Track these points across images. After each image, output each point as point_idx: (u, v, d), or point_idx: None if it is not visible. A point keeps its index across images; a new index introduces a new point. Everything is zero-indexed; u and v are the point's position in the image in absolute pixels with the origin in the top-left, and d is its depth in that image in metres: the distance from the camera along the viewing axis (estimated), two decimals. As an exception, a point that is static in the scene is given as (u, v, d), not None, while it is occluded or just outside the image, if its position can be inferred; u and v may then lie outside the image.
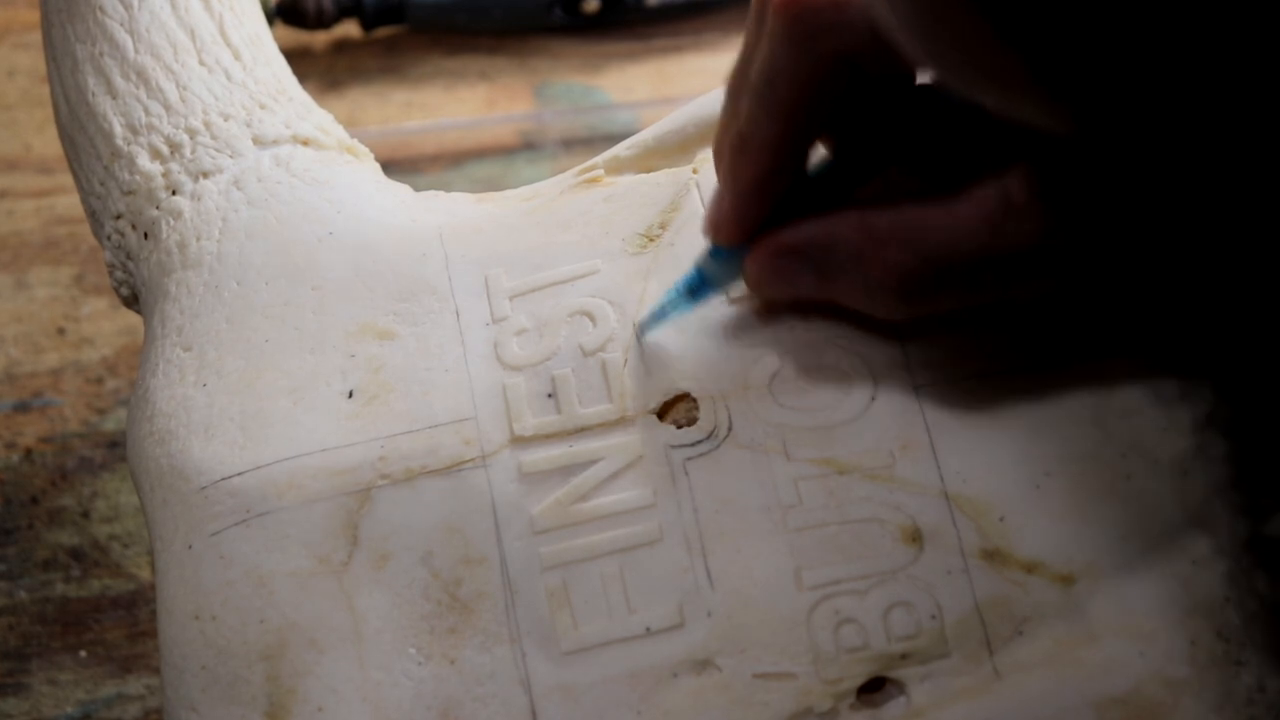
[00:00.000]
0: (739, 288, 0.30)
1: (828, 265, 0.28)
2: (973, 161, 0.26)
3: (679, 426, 0.29)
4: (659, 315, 0.30)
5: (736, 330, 0.30)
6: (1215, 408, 0.29)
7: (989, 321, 0.30)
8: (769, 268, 0.28)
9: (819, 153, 0.28)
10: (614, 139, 0.36)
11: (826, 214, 0.28)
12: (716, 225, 0.29)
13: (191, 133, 0.33)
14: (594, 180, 0.33)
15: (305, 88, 0.36)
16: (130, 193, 0.33)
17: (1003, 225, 0.25)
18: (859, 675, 0.27)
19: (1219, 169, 0.21)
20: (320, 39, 0.56)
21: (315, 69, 0.55)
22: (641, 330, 0.30)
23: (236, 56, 0.34)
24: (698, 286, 0.30)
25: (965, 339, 0.29)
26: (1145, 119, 0.20)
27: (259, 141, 0.33)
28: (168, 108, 0.33)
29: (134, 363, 0.45)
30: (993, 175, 0.26)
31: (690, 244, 0.31)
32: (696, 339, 0.30)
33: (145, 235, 0.33)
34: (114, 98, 0.33)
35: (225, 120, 0.33)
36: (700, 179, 0.32)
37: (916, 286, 0.27)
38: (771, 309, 0.30)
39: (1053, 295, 0.28)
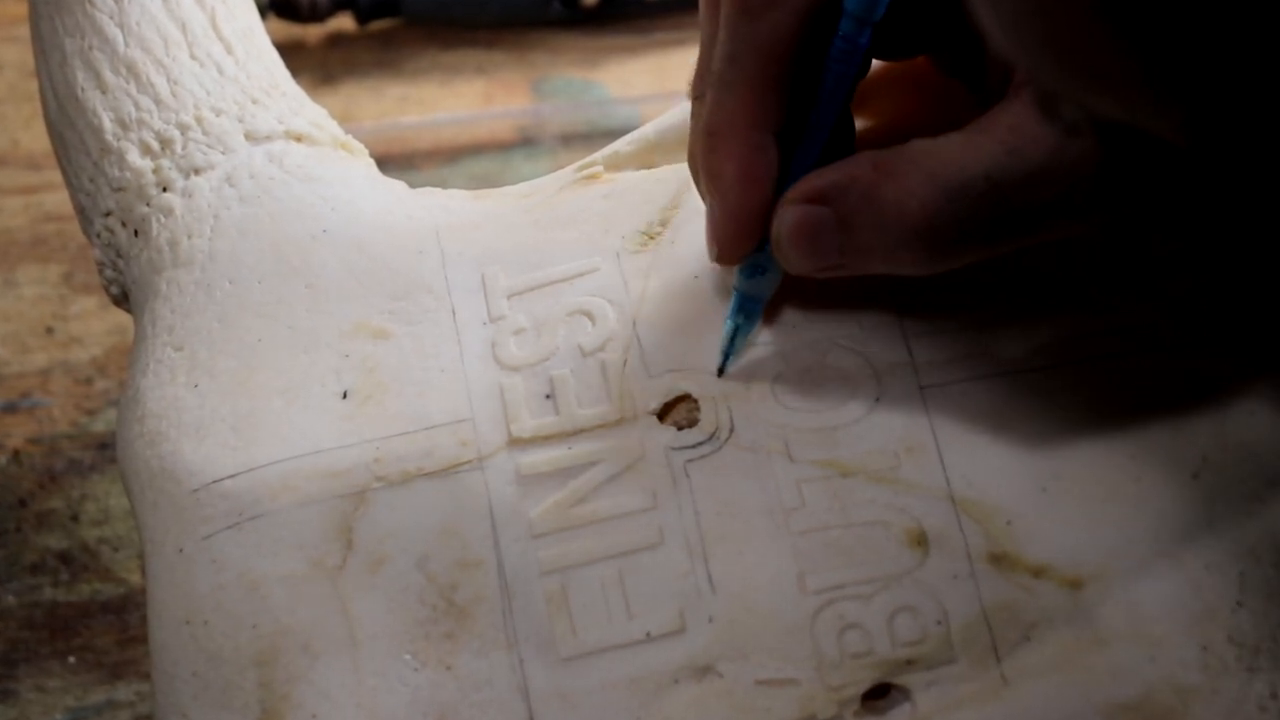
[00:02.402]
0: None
1: (844, 211, 0.26)
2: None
3: (679, 428, 0.29)
4: (727, 351, 0.29)
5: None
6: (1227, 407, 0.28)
7: (995, 321, 0.29)
8: (792, 228, 0.27)
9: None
10: (613, 134, 0.36)
11: (841, 161, 0.27)
12: (719, 241, 0.28)
13: (183, 128, 0.33)
14: (593, 177, 0.33)
15: (298, 82, 0.36)
16: (120, 189, 0.33)
17: (1019, 146, 0.24)
18: (863, 681, 0.27)
19: None
20: (314, 33, 0.56)
21: (309, 63, 0.55)
22: (720, 373, 0.29)
23: (229, 50, 0.34)
24: (747, 305, 0.29)
25: (971, 340, 0.29)
26: (1263, 129, 0.20)
27: (251, 137, 0.33)
28: (158, 103, 0.33)
29: (124, 363, 0.45)
30: (1002, 101, 0.25)
31: (692, 241, 0.31)
32: (698, 339, 0.30)
33: (135, 233, 0.33)
34: (103, 92, 0.33)
35: (217, 115, 0.33)
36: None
37: (936, 221, 0.25)
38: (775, 310, 0.29)
39: (1083, 237, 0.27)
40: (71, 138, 0.34)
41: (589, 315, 0.30)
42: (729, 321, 0.29)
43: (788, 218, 0.27)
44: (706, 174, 0.28)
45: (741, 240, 0.28)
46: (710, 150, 0.27)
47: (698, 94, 0.28)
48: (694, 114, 0.28)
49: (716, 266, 0.30)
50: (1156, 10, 0.19)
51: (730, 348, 0.29)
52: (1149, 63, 0.19)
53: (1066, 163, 0.24)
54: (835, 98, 0.27)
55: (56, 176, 0.37)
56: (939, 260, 0.26)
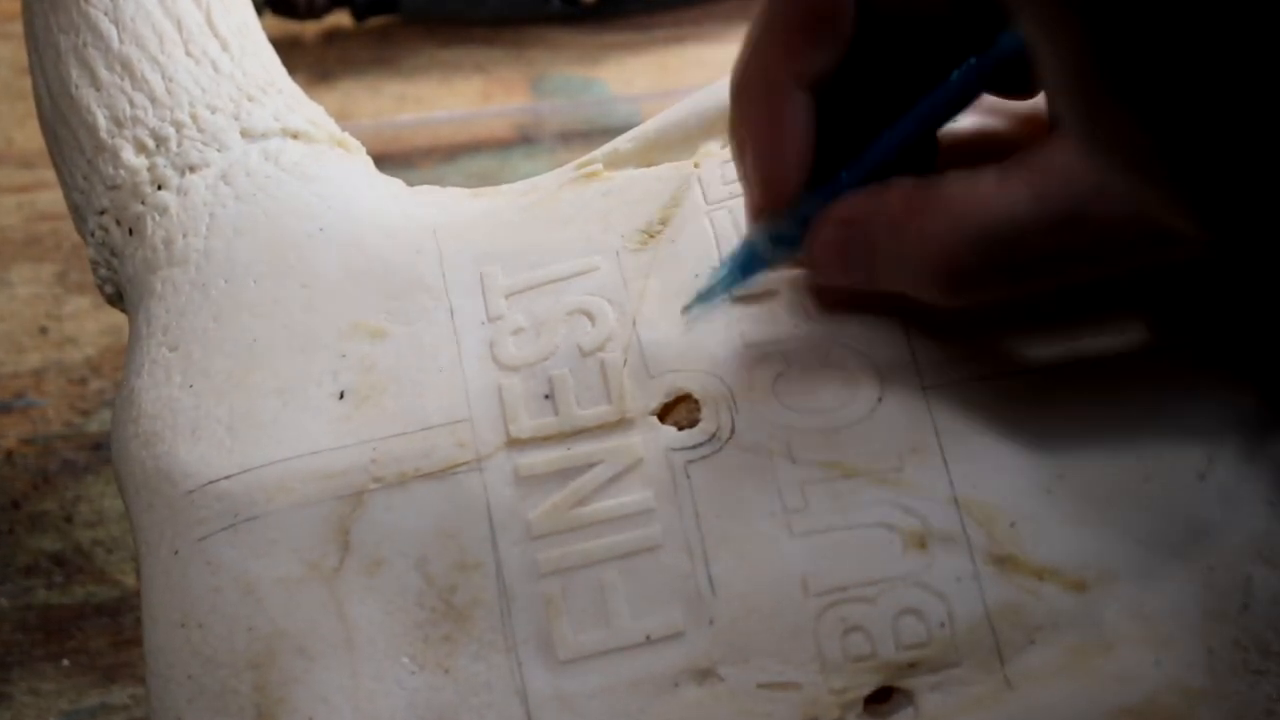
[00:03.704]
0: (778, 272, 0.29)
1: (872, 240, 0.26)
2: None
3: (680, 428, 0.29)
4: (707, 295, 0.29)
5: (740, 330, 0.29)
6: (1236, 408, 0.28)
7: (999, 320, 0.29)
8: (824, 245, 0.27)
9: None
10: (613, 133, 0.35)
11: (880, 185, 0.26)
12: (752, 195, 0.27)
13: (178, 125, 0.33)
14: (593, 175, 0.33)
15: (295, 80, 0.36)
16: (115, 187, 0.33)
17: (1046, 192, 0.24)
18: (866, 685, 0.27)
19: None
20: (310, 29, 0.56)
21: (305, 60, 0.54)
22: (687, 311, 0.29)
23: (224, 47, 0.34)
24: (748, 261, 0.28)
25: (975, 339, 0.29)
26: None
27: (247, 134, 0.33)
28: (153, 100, 0.33)
29: (118, 363, 0.45)
30: (1047, 136, 0.24)
31: (693, 239, 0.31)
32: (699, 338, 0.29)
33: (130, 231, 0.33)
34: (98, 89, 0.33)
35: (212, 113, 0.33)
36: (702, 174, 0.32)
37: (955, 264, 0.25)
38: (788, 309, 0.29)
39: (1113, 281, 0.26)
40: (65, 135, 0.34)
41: (588, 314, 0.30)
42: (723, 267, 0.28)
43: (820, 235, 0.27)
44: (738, 118, 0.27)
45: (770, 190, 0.27)
46: (739, 95, 0.27)
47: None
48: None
49: (717, 265, 0.30)
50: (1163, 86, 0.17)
51: (709, 294, 0.28)
52: (1161, 140, 0.17)
53: (1094, 214, 0.24)
54: (927, 119, 0.26)
55: (50, 175, 0.36)
56: (961, 297, 0.26)
